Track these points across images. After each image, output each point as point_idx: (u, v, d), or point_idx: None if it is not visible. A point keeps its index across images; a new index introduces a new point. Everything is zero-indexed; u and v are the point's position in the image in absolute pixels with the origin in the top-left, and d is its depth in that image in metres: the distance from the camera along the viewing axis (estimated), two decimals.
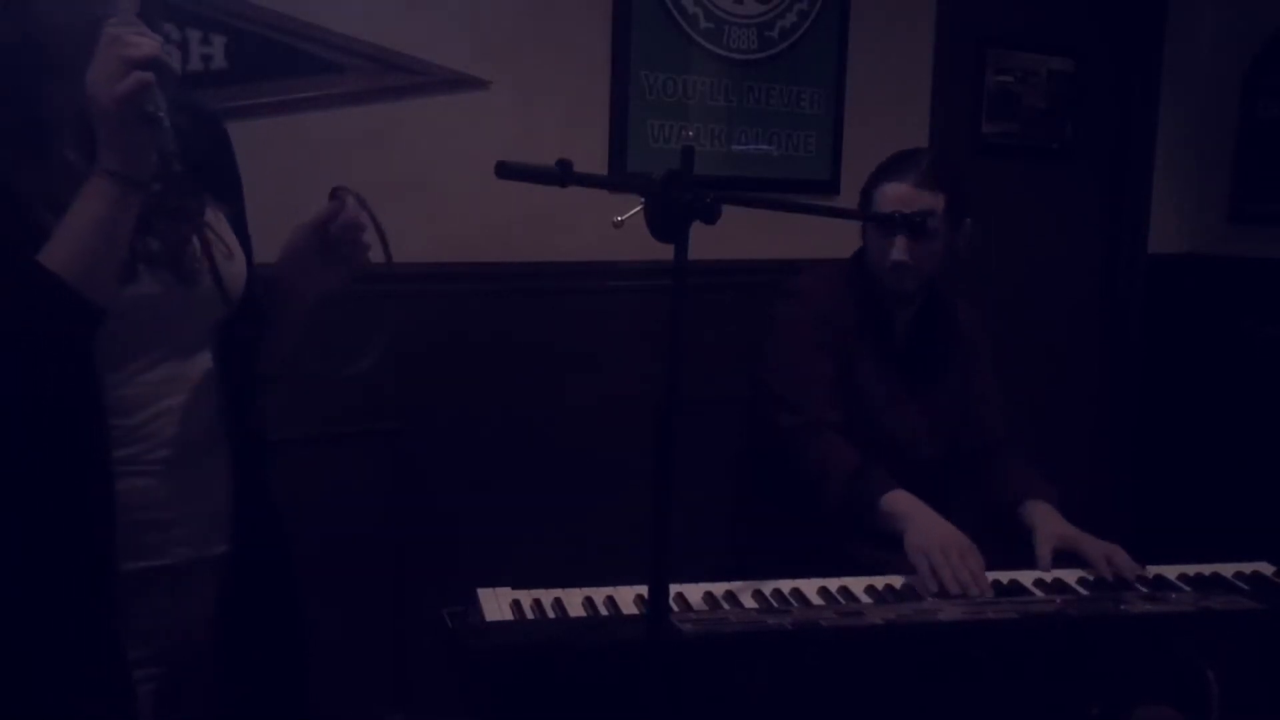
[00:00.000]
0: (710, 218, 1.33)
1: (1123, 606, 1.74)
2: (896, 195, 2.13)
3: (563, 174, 1.37)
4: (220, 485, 1.47)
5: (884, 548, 1.98)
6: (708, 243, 1.49)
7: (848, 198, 3.28)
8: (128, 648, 1.38)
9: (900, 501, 1.97)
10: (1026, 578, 1.91)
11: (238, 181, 1.57)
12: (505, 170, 1.34)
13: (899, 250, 2.12)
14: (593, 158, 2.92)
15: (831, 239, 2.35)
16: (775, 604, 1.75)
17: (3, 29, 1.29)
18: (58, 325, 1.27)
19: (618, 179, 2.67)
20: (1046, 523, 2.05)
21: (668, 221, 1.33)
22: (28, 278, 1.24)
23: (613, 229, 1.36)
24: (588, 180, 1.41)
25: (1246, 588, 1.90)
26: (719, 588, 1.79)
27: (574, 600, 1.71)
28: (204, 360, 1.45)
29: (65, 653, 1.34)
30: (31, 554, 1.32)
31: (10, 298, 1.24)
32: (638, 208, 1.35)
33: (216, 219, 1.46)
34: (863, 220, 2.24)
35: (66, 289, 1.25)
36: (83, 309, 1.27)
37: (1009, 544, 2.01)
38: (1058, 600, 1.79)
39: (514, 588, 1.73)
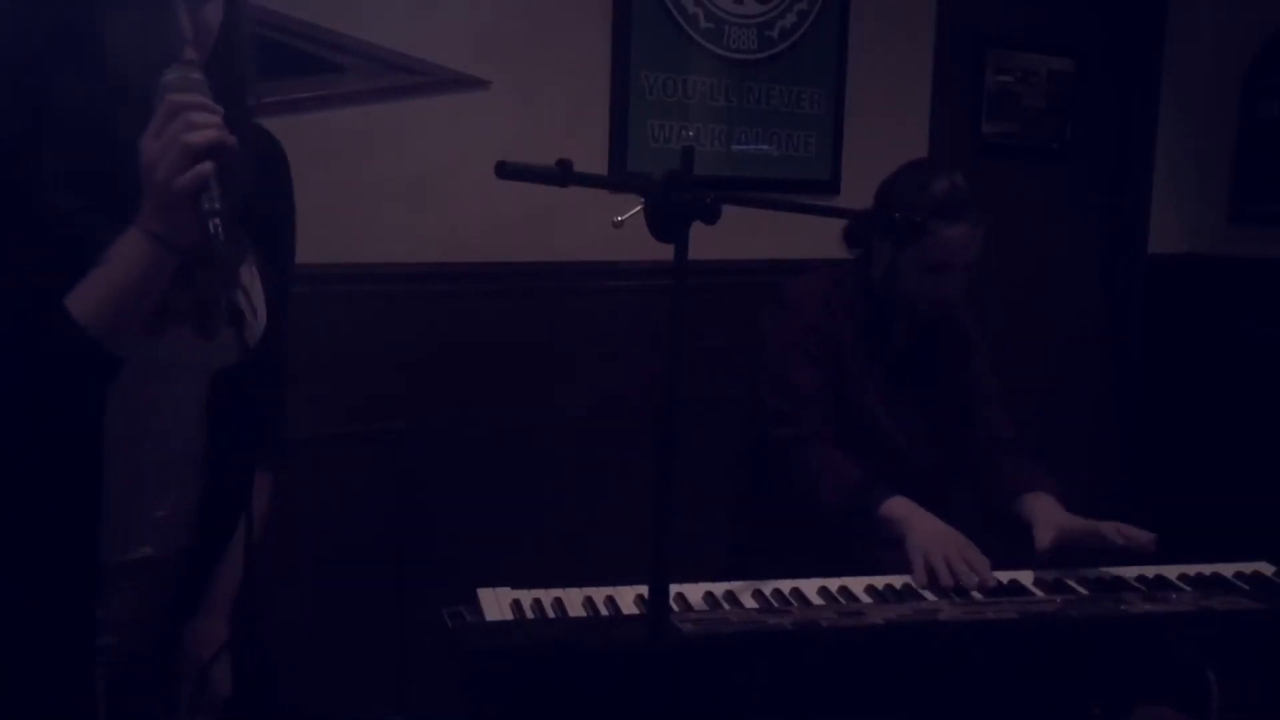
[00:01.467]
0: (710, 218, 1.33)
1: (1123, 606, 1.74)
2: (961, 238, 2.10)
3: (563, 174, 1.37)
4: (194, 490, 1.47)
5: (883, 547, 1.98)
6: (708, 243, 1.49)
7: (848, 198, 3.29)
8: (96, 636, 1.40)
9: (899, 507, 1.97)
10: (1026, 578, 1.91)
11: (290, 217, 1.56)
12: (505, 170, 1.34)
13: (957, 289, 2.12)
14: (593, 158, 2.92)
15: (831, 239, 2.35)
16: (775, 604, 1.75)
17: (77, 63, 1.28)
18: (73, 373, 1.27)
19: (618, 179, 2.67)
20: (1047, 512, 2.04)
21: (668, 221, 1.33)
22: (51, 323, 1.23)
23: (613, 229, 1.36)
24: (588, 180, 1.41)
25: (1246, 588, 1.90)
26: (719, 588, 1.79)
27: (574, 600, 1.71)
28: (199, 390, 1.45)
29: (36, 644, 1.35)
30: (18, 554, 1.34)
31: (31, 340, 1.24)
32: (638, 208, 1.35)
33: (249, 274, 1.45)
34: (862, 220, 2.24)
35: (87, 340, 1.24)
36: (101, 360, 1.26)
37: (1009, 545, 2.01)
38: (1058, 600, 1.79)
39: (514, 588, 1.73)
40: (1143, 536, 1.92)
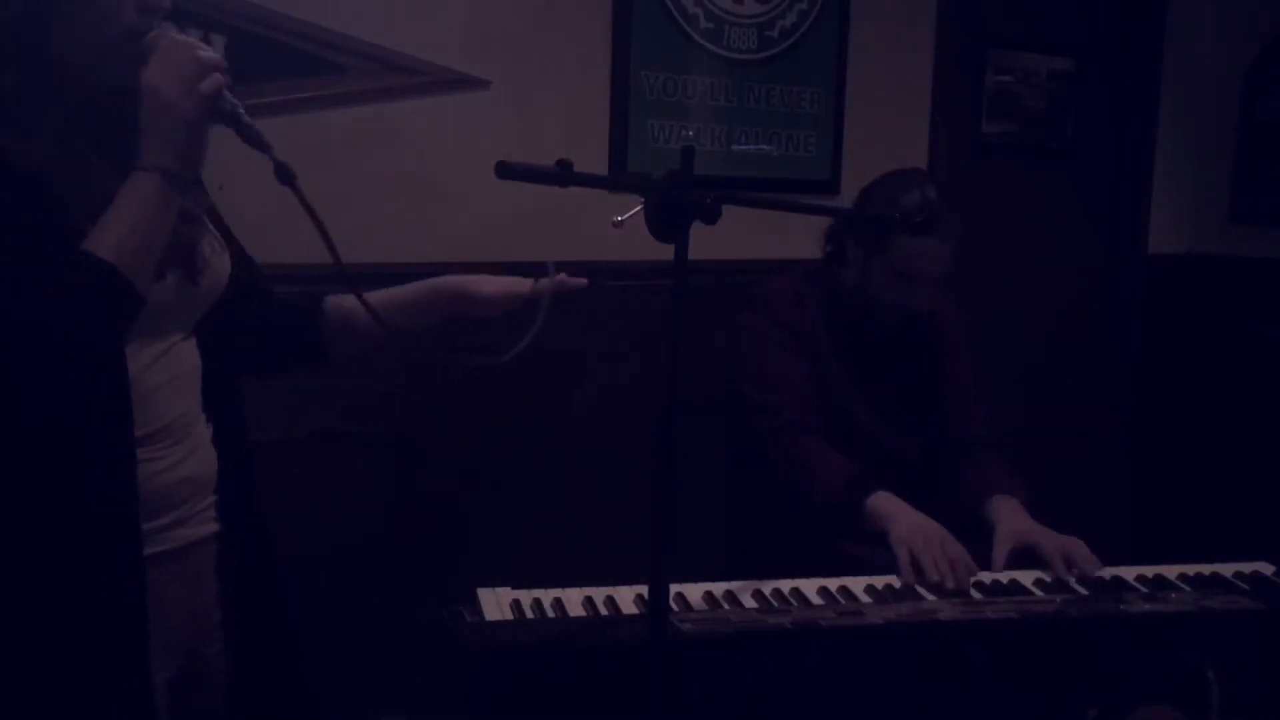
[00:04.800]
0: (710, 218, 1.33)
1: (1123, 606, 1.74)
2: (928, 252, 2.09)
3: (563, 174, 1.37)
4: (208, 466, 1.49)
5: (883, 546, 1.98)
6: (708, 243, 1.49)
7: (848, 198, 3.27)
8: (151, 632, 1.40)
9: (883, 502, 1.98)
10: (1026, 578, 1.92)
11: None
12: (505, 170, 1.34)
13: (925, 300, 2.13)
14: (593, 158, 2.92)
15: (820, 239, 2.35)
16: (775, 604, 1.75)
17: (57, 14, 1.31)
18: (108, 312, 1.30)
19: (618, 179, 2.67)
20: (1007, 520, 2.04)
21: (668, 221, 1.33)
22: (84, 265, 1.26)
23: (613, 229, 1.36)
24: (588, 180, 1.41)
25: (1246, 588, 1.90)
26: (719, 588, 1.79)
27: (574, 600, 1.71)
28: (190, 349, 1.48)
29: (90, 642, 1.35)
30: (60, 541, 1.34)
31: (58, 285, 1.26)
32: (638, 208, 1.35)
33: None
34: (862, 221, 2.24)
35: (120, 276, 1.27)
36: (131, 297, 1.30)
37: (971, 542, 2.00)
38: (1058, 600, 1.79)
39: (514, 588, 1.73)
40: (1087, 563, 1.92)
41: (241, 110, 1.34)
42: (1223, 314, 3.94)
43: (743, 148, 3.17)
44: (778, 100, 3.20)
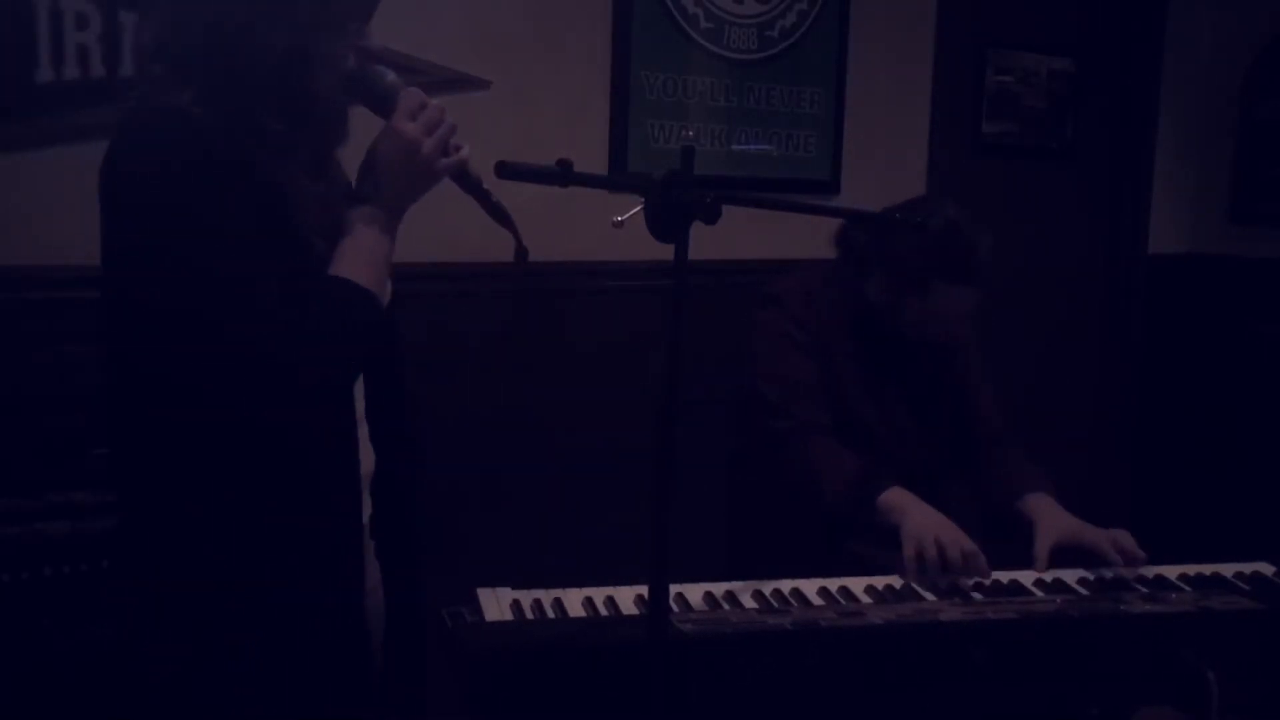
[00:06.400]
0: (710, 218, 1.33)
1: (1123, 606, 1.74)
2: (969, 298, 2.12)
3: (563, 174, 1.38)
4: (369, 463, 1.56)
5: (882, 546, 1.98)
6: (708, 243, 1.49)
7: (848, 198, 3.29)
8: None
9: (897, 496, 1.98)
10: (1026, 578, 1.92)
11: None
12: (505, 170, 1.35)
13: (964, 335, 2.17)
14: (593, 158, 2.92)
15: (831, 239, 2.35)
16: (775, 604, 1.75)
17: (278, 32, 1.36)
18: (372, 334, 1.43)
19: (618, 179, 2.67)
20: (1047, 517, 2.05)
21: (668, 221, 1.33)
22: (344, 292, 1.38)
23: (613, 229, 1.36)
24: (588, 180, 1.41)
25: (1246, 588, 1.90)
26: (719, 588, 1.79)
27: (574, 600, 1.71)
28: None
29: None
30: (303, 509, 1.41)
31: (323, 308, 1.35)
32: (638, 208, 1.35)
33: None
34: (862, 220, 2.24)
35: (378, 301, 1.42)
36: (383, 319, 1.45)
37: (1008, 542, 2.01)
38: (1058, 600, 1.79)
39: (514, 588, 1.73)
40: (1138, 554, 1.95)
41: (484, 183, 1.48)
42: (1223, 314, 3.94)
43: (743, 148, 3.17)
44: (778, 100, 3.20)
